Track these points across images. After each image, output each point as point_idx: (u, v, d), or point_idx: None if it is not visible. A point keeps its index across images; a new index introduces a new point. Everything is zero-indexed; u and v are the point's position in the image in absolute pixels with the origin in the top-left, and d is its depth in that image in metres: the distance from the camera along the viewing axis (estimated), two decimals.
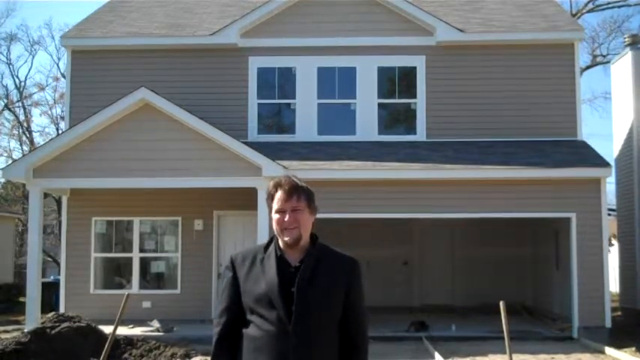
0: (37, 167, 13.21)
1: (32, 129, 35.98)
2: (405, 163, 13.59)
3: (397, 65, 15.40)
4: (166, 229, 15.32)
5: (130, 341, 10.95)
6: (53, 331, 10.29)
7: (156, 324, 13.36)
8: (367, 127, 15.14)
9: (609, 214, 16.24)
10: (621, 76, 17.86)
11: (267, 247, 3.11)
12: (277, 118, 15.92)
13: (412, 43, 15.24)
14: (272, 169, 12.79)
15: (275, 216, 3.07)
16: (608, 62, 29.25)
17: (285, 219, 3.02)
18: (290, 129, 15.44)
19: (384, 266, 17.11)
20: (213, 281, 14.86)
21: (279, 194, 3.05)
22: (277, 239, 3.09)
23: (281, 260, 3.03)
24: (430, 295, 17.57)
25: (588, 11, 31.45)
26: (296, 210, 3.02)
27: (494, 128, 14.91)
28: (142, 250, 15.21)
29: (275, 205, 3.06)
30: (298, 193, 3.04)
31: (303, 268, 2.99)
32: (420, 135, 15.10)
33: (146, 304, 14.73)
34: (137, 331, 12.93)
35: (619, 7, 31.70)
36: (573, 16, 27.34)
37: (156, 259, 15.34)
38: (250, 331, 3.00)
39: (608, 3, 31.36)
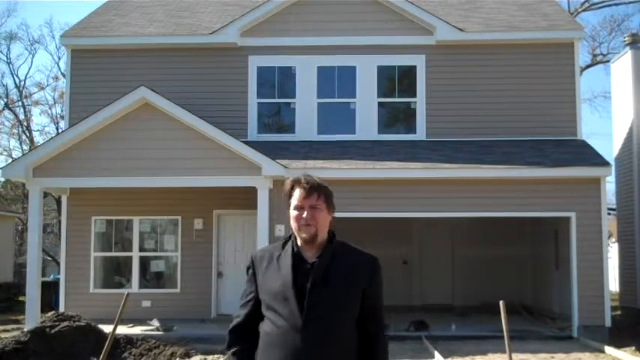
0: (36, 166, 13.21)
1: (32, 128, 36.03)
2: (405, 163, 13.59)
3: (397, 64, 15.40)
4: (166, 228, 15.32)
5: (129, 340, 10.94)
6: (53, 331, 10.29)
7: (155, 323, 13.36)
8: (367, 126, 15.14)
9: (609, 214, 16.26)
10: (621, 75, 17.87)
11: (285, 244, 3.12)
12: (277, 118, 15.92)
13: (412, 42, 15.25)
14: (272, 169, 12.80)
15: (293, 212, 3.06)
16: (608, 61, 29.26)
17: (304, 215, 3.01)
18: (290, 128, 15.44)
19: (384, 265, 16.86)
20: (213, 280, 14.87)
21: (298, 191, 3.05)
22: (295, 236, 3.09)
23: (297, 257, 3.04)
24: (430, 295, 17.58)
25: (584, 10, 31.47)
26: (315, 207, 3.02)
27: (494, 127, 14.92)
28: (141, 250, 15.21)
29: (294, 202, 3.06)
30: (318, 191, 3.04)
31: (317, 265, 2.99)
32: (420, 134, 15.10)
33: (146, 304, 14.73)
34: (137, 330, 12.93)
35: (616, 5, 31.77)
36: (570, 14, 27.33)
37: (155, 258, 15.33)
38: (265, 327, 3.02)
39: (603, 1, 31.40)
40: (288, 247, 3.08)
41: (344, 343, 2.97)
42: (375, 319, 3.08)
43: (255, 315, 3.10)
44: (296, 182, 3.08)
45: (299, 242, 3.07)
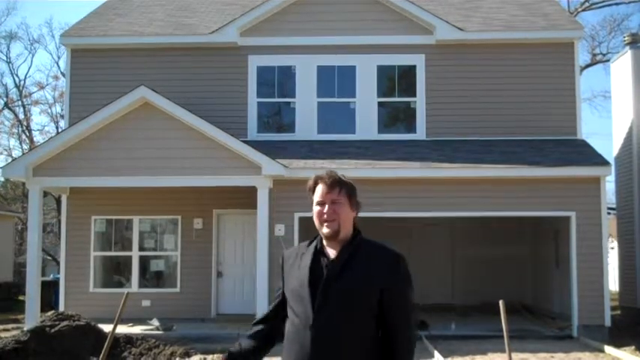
0: (36, 166, 13.21)
1: (32, 128, 36.08)
2: (405, 162, 13.60)
3: (397, 64, 15.39)
4: (166, 227, 15.31)
5: (129, 340, 10.94)
6: (53, 330, 10.28)
7: (155, 322, 13.36)
8: (367, 125, 15.14)
9: (609, 213, 16.25)
10: (621, 74, 17.87)
11: (312, 242, 3.11)
12: (277, 117, 15.92)
13: (412, 41, 15.25)
14: (272, 168, 12.80)
15: (315, 208, 3.04)
16: (607, 61, 29.28)
17: (325, 211, 2.99)
18: (290, 128, 15.44)
19: None
20: (213, 280, 14.86)
21: (319, 187, 3.04)
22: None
23: (318, 255, 3.03)
24: (430, 294, 17.55)
25: (584, 10, 31.47)
26: (336, 202, 2.99)
27: (494, 127, 14.92)
28: (141, 249, 15.21)
29: (315, 198, 3.05)
30: (340, 186, 3.02)
31: (333, 263, 2.97)
32: (420, 134, 15.10)
33: (146, 303, 14.73)
34: (137, 329, 12.93)
35: (616, 4, 31.77)
36: (570, 14, 27.34)
37: (155, 257, 15.33)
38: (286, 324, 3.04)
39: (603, 1, 31.40)
40: (313, 245, 3.08)
41: (356, 343, 2.90)
42: (395, 319, 2.95)
43: (277, 311, 3.14)
44: (318, 178, 3.06)
45: (324, 240, 3.06)
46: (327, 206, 2.99)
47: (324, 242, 3.05)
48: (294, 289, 3.01)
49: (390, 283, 2.94)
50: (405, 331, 2.98)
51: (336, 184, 3.01)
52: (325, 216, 2.99)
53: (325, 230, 3.00)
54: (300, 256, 3.08)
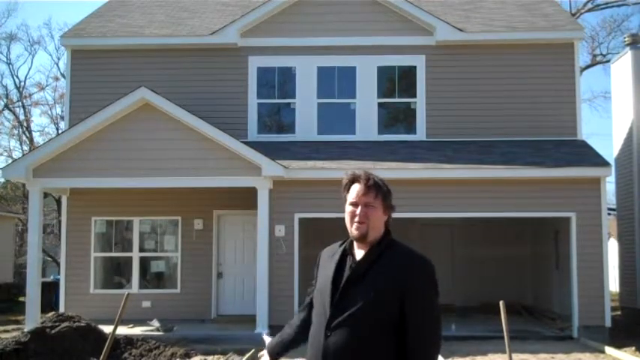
0: (36, 167, 13.21)
1: (32, 129, 36.05)
2: (405, 163, 13.60)
3: (397, 65, 15.40)
4: (166, 228, 15.31)
5: (129, 341, 10.94)
6: (53, 331, 10.28)
7: (156, 323, 13.35)
8: (367, 126, 15.14)
9: (609, 214, 16.25)
10: (621, 75, 17.87)
11: (344, 242, 3.09)
12: (277, 118, 15.92)
13: (412, 42, 15.25)
14: (272, 169, 12.80)
15: (348, 208, 3.01)
16: (607, 62, 29.28)
17: (357, 212, 2.96)
18: (290, 128, 15.44)
19: None
20: (213, 281, 14.86)
21: (355, 187, 3.01)
22: None
23: (345, 256, 3.01)
24: None
25: (587, 11, 31.47)
26: (369, 206, 2.96)
27: (494, 128, 14.92)
28: (141, 250, 15.20)
29: (350, 198, 3.01)
30: (376, 190, 2.98)
31: (355, 266, 2.95)
32: (420, 134, 15.10)
33: (146, 304, 14.73)
34: (137, 330, 12.92)
35: (618, 6, 31.75)
36: (572, 15, 27.33)
37: (156, 258, 15.33)
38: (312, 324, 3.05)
39: (607, 3, 31.36)
40: (344, 246, 3.07)
41: (371, 349, 2.83)
42: (413, 330, 2.84)
43: (310, 311, 3.13)
44: (355, 177, 3.03)
45: (354, 241, 3.04)
46: (359, 208, 2.96)
47: (354, 243, 3.03)
48: (319, 288, 3.02)
49: (412, 286, 2.86)
50: (425, 344, 2.87)
51: (373, 188, 2.97)
52: (357, 218, 2.95)
53: (354, 232, 2.97)
54: (332, 255, 3.07)
